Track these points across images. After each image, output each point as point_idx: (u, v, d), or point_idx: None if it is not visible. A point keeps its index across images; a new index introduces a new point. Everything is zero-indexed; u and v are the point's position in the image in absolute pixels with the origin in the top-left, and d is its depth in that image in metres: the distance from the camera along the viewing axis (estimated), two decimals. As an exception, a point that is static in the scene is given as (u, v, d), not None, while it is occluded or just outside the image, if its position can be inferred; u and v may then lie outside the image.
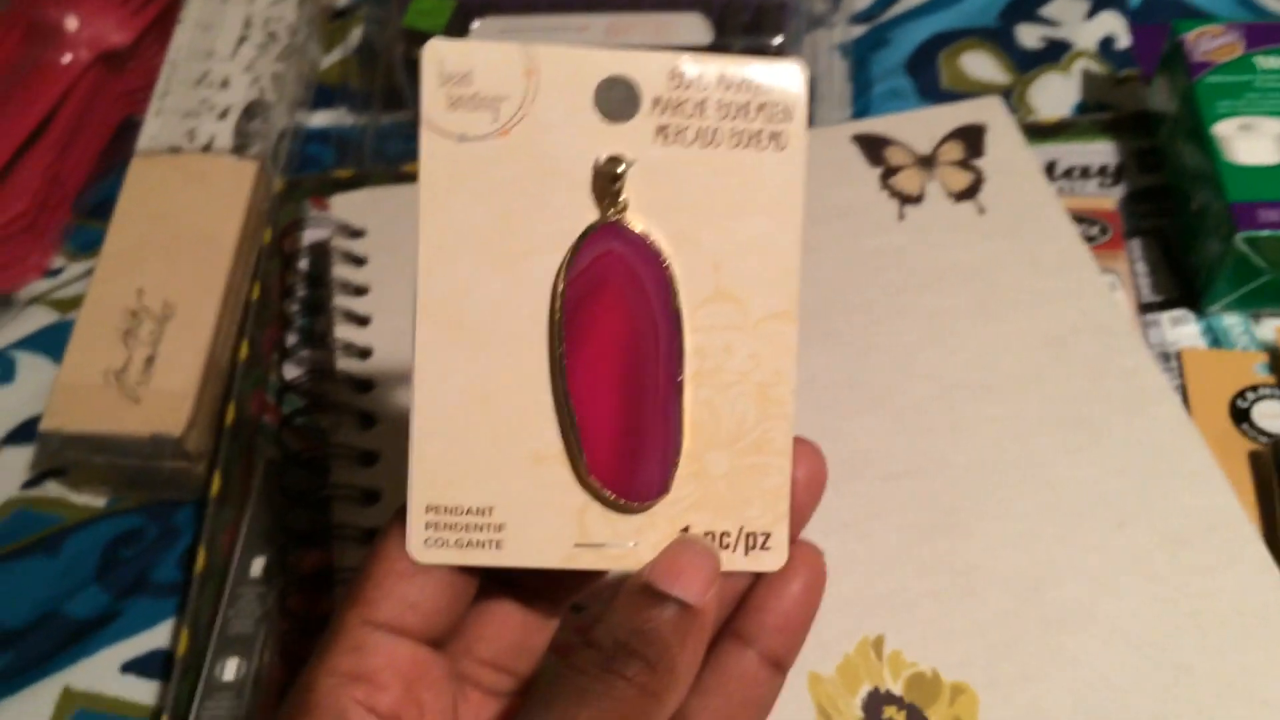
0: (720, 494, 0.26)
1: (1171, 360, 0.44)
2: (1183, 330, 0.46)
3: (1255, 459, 0.41)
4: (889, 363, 0.44)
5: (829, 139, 0.50)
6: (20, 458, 0.48)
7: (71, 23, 0.58)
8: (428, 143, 0.24)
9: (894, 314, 0.45)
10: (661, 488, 0.25)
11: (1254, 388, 0.43)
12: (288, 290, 0.47)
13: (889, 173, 0.49)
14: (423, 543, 0.25)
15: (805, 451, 0.27)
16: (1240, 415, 0.42)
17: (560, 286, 0.24)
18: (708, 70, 0.25)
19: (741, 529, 0.26)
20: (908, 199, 0.48)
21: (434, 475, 0.25)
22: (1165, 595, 0.37)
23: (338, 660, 0.25)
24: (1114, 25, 0.58)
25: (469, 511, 0.25)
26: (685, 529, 0.26)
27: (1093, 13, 0.59)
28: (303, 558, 0.39)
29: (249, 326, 0.48)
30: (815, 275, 0.46)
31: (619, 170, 0.24)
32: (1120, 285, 0.46)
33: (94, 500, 0.47)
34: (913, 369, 0.43)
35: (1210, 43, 0.48)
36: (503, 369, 0.25)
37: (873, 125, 0.51)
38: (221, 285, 0.48)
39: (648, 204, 0.25)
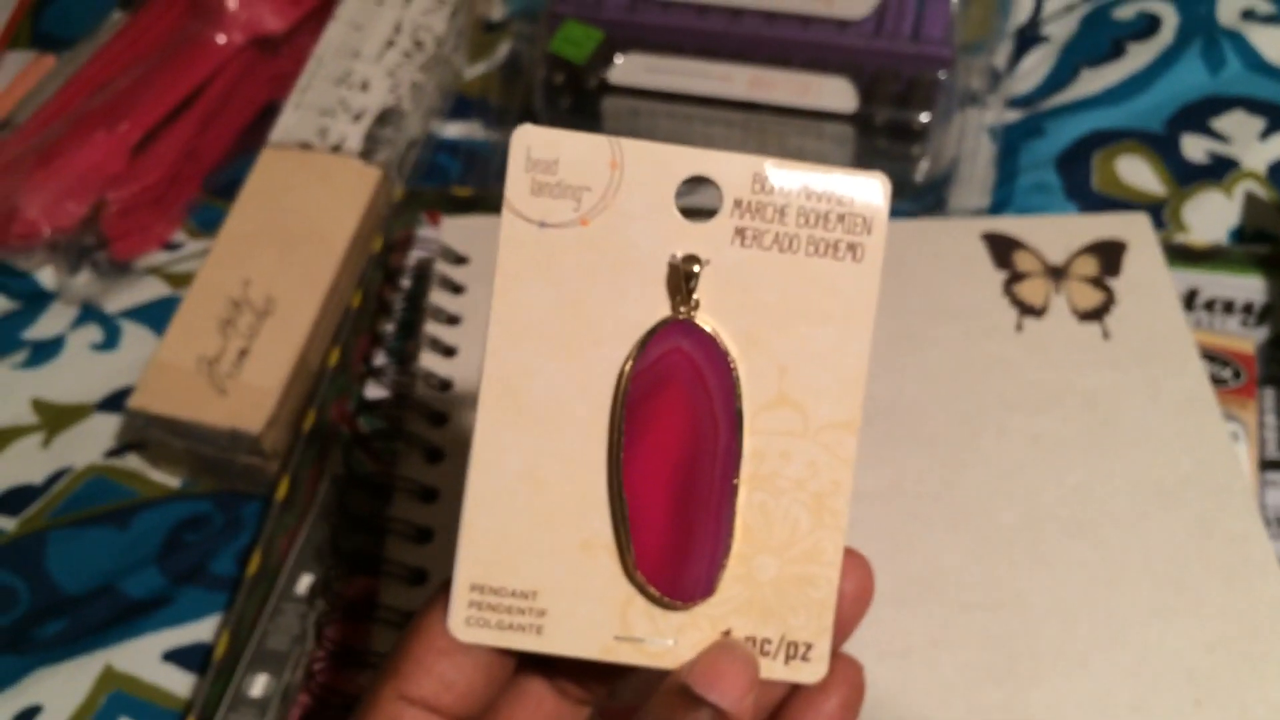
0: (765, 600, 0.25)
1: (1288, 529, 0.41)
2: (1306, 498, 0.42)
3: (1363, 657, 0.38)
4: (982, 481, 0.41)
5: (957, 232, 0.48)
6: (109, 425, 0.50)
7: (232, 3, 0.59)
8: (508, 226, 0.25)
9: (996, 430, 0.42)
10: (707, 588, 0.25)
11: (1375, 577, 0.39)
12: (386, 307, 0.47)
13: (1014, 278, 0.46)
14: (464, 621, 0.25)
15: (854, 564, 0.26)
16: (1354, 605, 0.39)
17: (625, 378, 0.25)
18: (792, 177, 0.25)
19: (783, 637, 0.25)
20: (1029, 310, 0.45)
21: (481, 554, 0.25)
22: (1235, 793, 0.34)
23: None
24: (1289, 149, 0.55)
25: (513, 594, 0.25)
26: (727, 632, 0.25)
27: (1268, 133, 0.55)
28: (349, 584, 0.39)
29: (344, 333, 0.48)
30: (918, 373, 0.44)
31: (694, 269, 0.24)
32: (1244, 437, 0.43)
33: (169, 479, 0.48)
34: (1006, 493, 0.41)
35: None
36: (560, 455, 0.25)
37: (1005, 225, 0.48)
38: (325, 288, 0.48)
39: (719, 303, 0.25)
